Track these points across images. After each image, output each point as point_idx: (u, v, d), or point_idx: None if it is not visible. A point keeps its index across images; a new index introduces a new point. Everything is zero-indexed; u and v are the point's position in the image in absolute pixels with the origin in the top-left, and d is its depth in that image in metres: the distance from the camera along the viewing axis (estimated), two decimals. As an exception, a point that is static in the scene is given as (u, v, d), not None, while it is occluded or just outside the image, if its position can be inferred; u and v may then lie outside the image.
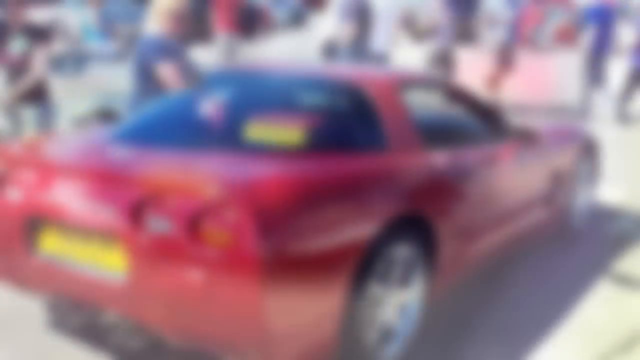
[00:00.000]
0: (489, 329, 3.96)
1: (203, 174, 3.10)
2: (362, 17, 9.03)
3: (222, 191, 2.83)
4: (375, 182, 3.41)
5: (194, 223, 2.86)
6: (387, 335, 3.44)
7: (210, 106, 4.49)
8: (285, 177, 3.15)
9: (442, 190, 3.71)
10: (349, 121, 4.02)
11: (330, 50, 9.74)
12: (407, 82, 4.28)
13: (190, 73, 4.88)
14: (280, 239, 2.82)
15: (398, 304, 3.46)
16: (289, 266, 2.84)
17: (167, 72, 4.70)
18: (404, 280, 3.50)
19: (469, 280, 4.28)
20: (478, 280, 4.46)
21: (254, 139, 3.69)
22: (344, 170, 3.41)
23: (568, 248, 5.27)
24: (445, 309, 4.09)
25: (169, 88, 4.59)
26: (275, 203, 2.88)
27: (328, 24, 9.95)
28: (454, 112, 4.52)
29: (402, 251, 3.41)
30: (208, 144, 3.87)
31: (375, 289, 3.26)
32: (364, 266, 3.13)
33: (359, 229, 3.13)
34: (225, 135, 4.04)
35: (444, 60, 10.44)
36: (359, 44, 9.12)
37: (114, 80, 7.54)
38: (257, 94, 4.33)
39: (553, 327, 4.00)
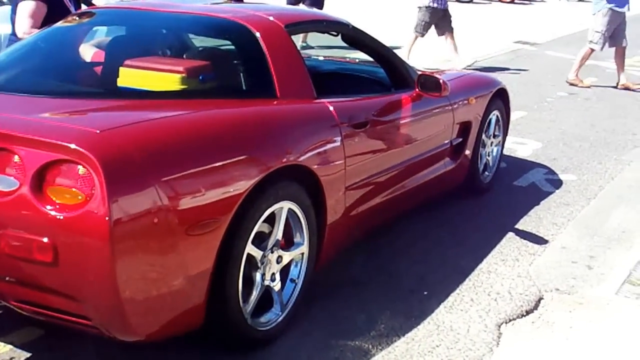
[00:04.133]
0: (384, 290, 3.72)
1: (57, 124, 2.75)
2: None
3: (71, 144, 2.47)
4: (257, 132, 3.11)
5: (39, 180, 2.51)
6: (266, 301, 3.16)
7: (89, 47, 4.15)
8: (149, 128, 2.80)
9: (334, 141, 3.42)
10: (233, 65, 3.76)
11: None
12: (300, 23, 3.96)
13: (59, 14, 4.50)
14: (136, 198, 2.50)
15: (279, 266, 3.19)
16: (146, 228, 2.53)
17: (23, 8, 4.45)
18: (287, 240, 3.22)
19: (364, 237, 4.01)
20: (374, 237, 4.20)
21: (129, 84, 3.37)
22: (221, 119, 3.10)
23: (473, 203, 5.09)
24: (336, 268, 3.82)
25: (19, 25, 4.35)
26: (133, 157, 2.54)
27: None
28: (354, 58, 4.28)
29: (285, 208, 3.12)
30: (81, 89, 3.59)
31: (251, 251, 2.97)
32: (238, 225, 2.84)
33: (234, 184, 2.83)
34: (100, 80, 3.76)
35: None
36: None
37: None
38: (138, 34, 4.04)
39: (455, 289, 3.79)
